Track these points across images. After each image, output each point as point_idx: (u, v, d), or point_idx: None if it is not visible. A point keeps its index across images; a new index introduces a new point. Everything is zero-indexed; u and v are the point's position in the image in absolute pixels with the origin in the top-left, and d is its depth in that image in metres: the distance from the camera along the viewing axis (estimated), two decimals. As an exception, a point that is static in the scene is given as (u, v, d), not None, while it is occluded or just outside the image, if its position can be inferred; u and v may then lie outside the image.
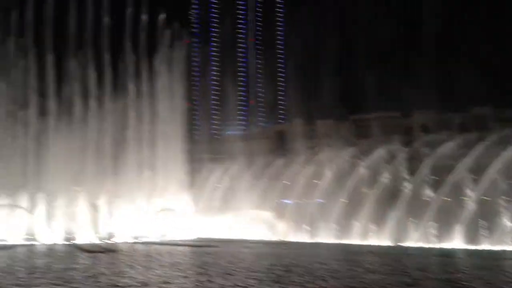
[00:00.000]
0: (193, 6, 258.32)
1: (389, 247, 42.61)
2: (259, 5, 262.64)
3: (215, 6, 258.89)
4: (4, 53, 56.28)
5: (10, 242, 49.31)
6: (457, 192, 44.33)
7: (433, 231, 43.48)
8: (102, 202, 55.04)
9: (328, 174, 53.98)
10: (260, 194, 60.33)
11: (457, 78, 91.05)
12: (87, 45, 59.22)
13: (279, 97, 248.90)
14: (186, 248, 42.95)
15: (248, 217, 56.99)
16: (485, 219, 41.58)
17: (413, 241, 44.12)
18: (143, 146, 59.83)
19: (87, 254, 36.67)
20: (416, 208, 45.17)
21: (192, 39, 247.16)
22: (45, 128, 56.37)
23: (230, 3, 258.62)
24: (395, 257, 34.36)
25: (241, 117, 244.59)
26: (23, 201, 53.49)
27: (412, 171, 48.36)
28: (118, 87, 59.91)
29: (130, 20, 62.78)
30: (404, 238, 44.76)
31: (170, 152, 61.61)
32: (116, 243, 50.57)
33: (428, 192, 46.69)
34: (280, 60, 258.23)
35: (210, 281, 21.61)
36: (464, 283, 20.90)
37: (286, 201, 60.80)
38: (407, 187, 47.52)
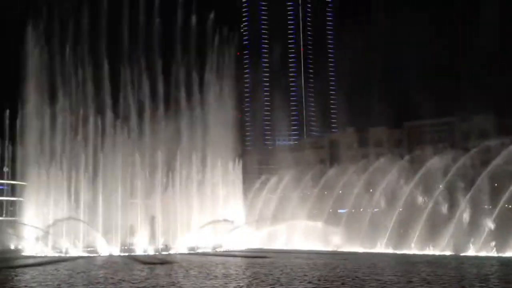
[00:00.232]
0: (243, 19, 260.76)
1: (446, 256, 41.35)
2: (309, 14, 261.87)
3: (265, 15, 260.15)
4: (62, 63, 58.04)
5: (71, 254, 50.98)
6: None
7: (492, 240, 41.92)
8: (157, 214, 56.06)
9: (383, 183, 52.99)
10: (314, 204, 59.89)
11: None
12: (140, 57, 60.27)
13: (331, 106, 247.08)
14: (240, 259, 43.07)
15: (301, 227, 56.59)
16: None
17: (472, 251, 42.67)
18: (196, 158, 60.42)
19: (143, 265, 37.34)
20: (475, 217, 43.67)
21: (243, 51, 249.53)
22: (102, 142, 57.76)
23: (281, 11, 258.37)
24: (453, 267, 33.28)
25: (293, 127, 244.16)
26: (83, 214, 55.18)
27: (471, 178, 46.77)
28: (171, 100, 60.63)
29: (180, 29, 63.52)
30: (462, 248, 43.36)
31: (223, 163, 62.14)
32: (171, 254, 51.32)
33: (486, 200, 45.03)
34: (331, 69, 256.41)
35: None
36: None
37: (340, 210, 60.10)
38: (465, 195, 46.00)
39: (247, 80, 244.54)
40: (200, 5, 65.19)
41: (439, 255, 42.14)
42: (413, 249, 46.41)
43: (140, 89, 58.86)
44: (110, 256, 49.57)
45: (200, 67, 62.38)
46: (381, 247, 49.00)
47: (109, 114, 57.79)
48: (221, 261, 39.80)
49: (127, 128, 58.20)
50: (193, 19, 63.77)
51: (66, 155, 57.52)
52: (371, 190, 55.57)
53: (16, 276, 31.01)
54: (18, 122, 60.89)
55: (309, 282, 24.85)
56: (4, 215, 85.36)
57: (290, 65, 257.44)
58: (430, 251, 44.85)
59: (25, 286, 25.32)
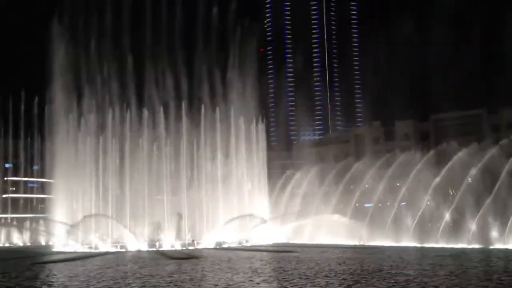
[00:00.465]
0: (267, 15, 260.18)
1: (474, 250, 40.86)
2: (333, 9, 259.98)
3: (288, 11, 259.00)
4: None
5: (100, 249, 51.89)
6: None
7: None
8: (184, 210, 56.63)
9: (410, 176, 52.53)
10: (339, 199, 59.69)
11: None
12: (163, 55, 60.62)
13: (357, 100, 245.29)
14: (266, 254, 43.26)
15: (327, 222, 56.48)
16: None
17: (500, 243, 42.10)
18: (220, 154, 60.73)
19: (170, 260, 37.81)
20: (502, 209, 43.05)
21: (267, 47, 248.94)
22: (128, 139, 58.48)
23: (305, 7, 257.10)
24: (480, 260, 32.88)
25: (317, 122, 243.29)
26: (111, 210, 56.08)
27: (499, 171, 46.07)
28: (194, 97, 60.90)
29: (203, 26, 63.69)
30: (492, 241, 42.82)
31: (248, 159, 62.37)
32: (198, 249, 51.81)
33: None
34: (356, 63, 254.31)
35: (290, 286, 21.73)
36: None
37: (366, 205, 59.78)
38: (492, 188, 45.34)
39: (271, 76, 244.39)
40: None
41: (466, 248, 41.66)
42: (440, 242, 45.97)
43: (164, 84, 59.18)
44: (138, 251, 50.29)
45: (223, 61, 62.56)
46: (407, 241, 48.66)
47: (133, 111, 58.42)
48: (247, 256, 40.03)
49: (153, 125, 58.82)
50: (214, 10, 63.93)
51: (93, 152, 58.39)
52: (397, 184, 55.14)
53: (46, 271, 31.75)
54: (46, 120, 62.01)
55: (335, 277, 24.89)
56: (35, 212, 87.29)
57: (314, 60, 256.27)
58: (457, 244, 44.35)
59: (55, 281, 25.92)
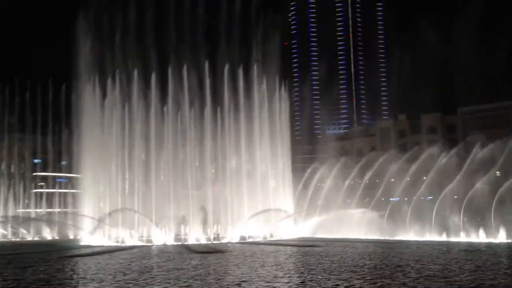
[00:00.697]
0: (291, 8, 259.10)
1: (499, 244, 40.26)
2: (358, 5, 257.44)
3: (313, 3, 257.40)
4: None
5: (127, 243, 52.57)
6: None
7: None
8: (209, 204, 56.99)
9: (436, 170, 52.00)
10: (365, 193, 59.36)
11: None
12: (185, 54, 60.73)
13: (382, 93, 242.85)
14: (290, 248, 43.27)
15: (351, 216, 56.25)
16: None
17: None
18: (245, 149, 60.84)
19: (195, 254, 38.10)
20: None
21: (291, 40, 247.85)
22: (155, 133, 58.90)
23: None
24: (506, 254, 32.39)
25: (343, 115, 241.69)
26: (137, 205, 56.69)
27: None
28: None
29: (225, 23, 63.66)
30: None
31: (273, 153, 62.36)
32: (223, 243, 52.11)
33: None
34: (382, 55, 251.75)
35: (314, 281, 21.72)
36: None
37: (392, 199, 59.37)
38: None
39: (295, 70, 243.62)
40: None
41: (492, 243, 41.08)
42: (464, 236, 45.45)
43: (187, 81, 59.31)
44: (164, 245, 50.79)
45: (246, 56, 62.42)
46: (432, 235, 48.21)
47: (157, 106, 58.69)
48: (271, 250, 40.12)
49: (179, 120, 59.18)
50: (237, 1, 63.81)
51: (120, 148, 59.06)
52: (424, 178, 54.63)
53: (73, 264, 32.32)
54: (73, 115, 62.88)
55: (358, 271, 24.80)
56: (63, 207, 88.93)
57: (339, 53, 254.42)
58: (483, 238, 43.78)
59: (82, 274, 26.37)
